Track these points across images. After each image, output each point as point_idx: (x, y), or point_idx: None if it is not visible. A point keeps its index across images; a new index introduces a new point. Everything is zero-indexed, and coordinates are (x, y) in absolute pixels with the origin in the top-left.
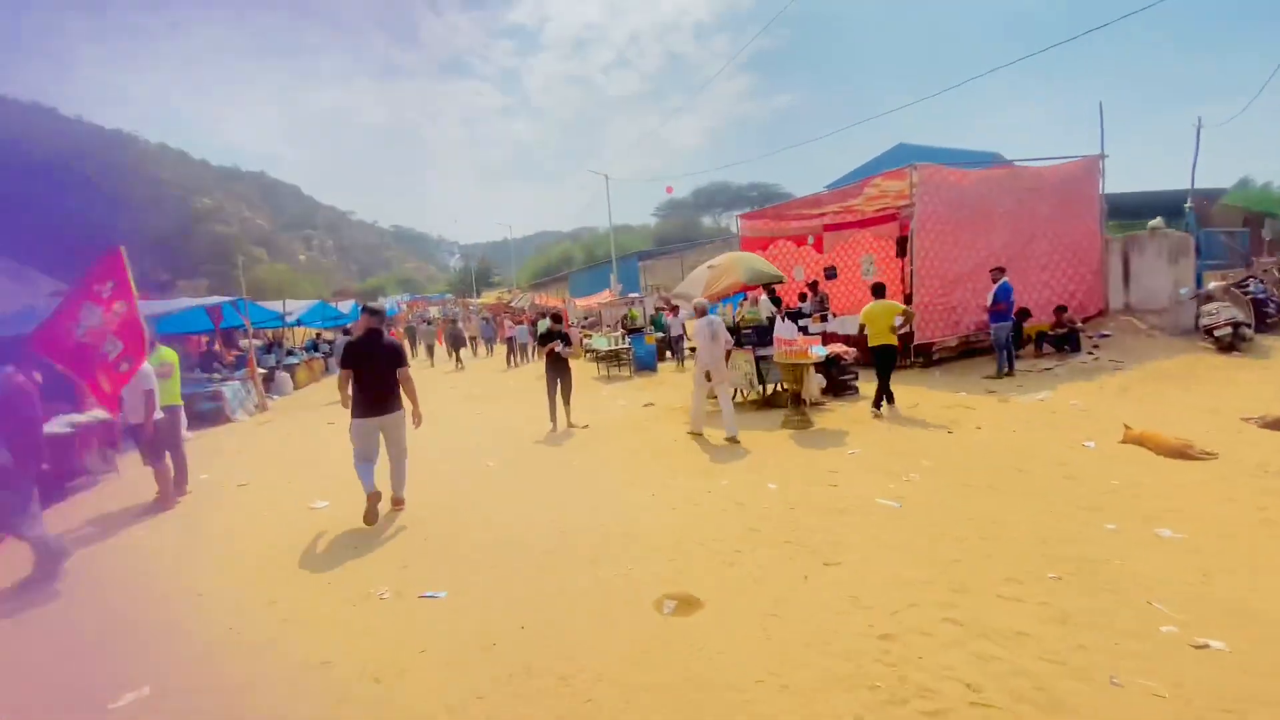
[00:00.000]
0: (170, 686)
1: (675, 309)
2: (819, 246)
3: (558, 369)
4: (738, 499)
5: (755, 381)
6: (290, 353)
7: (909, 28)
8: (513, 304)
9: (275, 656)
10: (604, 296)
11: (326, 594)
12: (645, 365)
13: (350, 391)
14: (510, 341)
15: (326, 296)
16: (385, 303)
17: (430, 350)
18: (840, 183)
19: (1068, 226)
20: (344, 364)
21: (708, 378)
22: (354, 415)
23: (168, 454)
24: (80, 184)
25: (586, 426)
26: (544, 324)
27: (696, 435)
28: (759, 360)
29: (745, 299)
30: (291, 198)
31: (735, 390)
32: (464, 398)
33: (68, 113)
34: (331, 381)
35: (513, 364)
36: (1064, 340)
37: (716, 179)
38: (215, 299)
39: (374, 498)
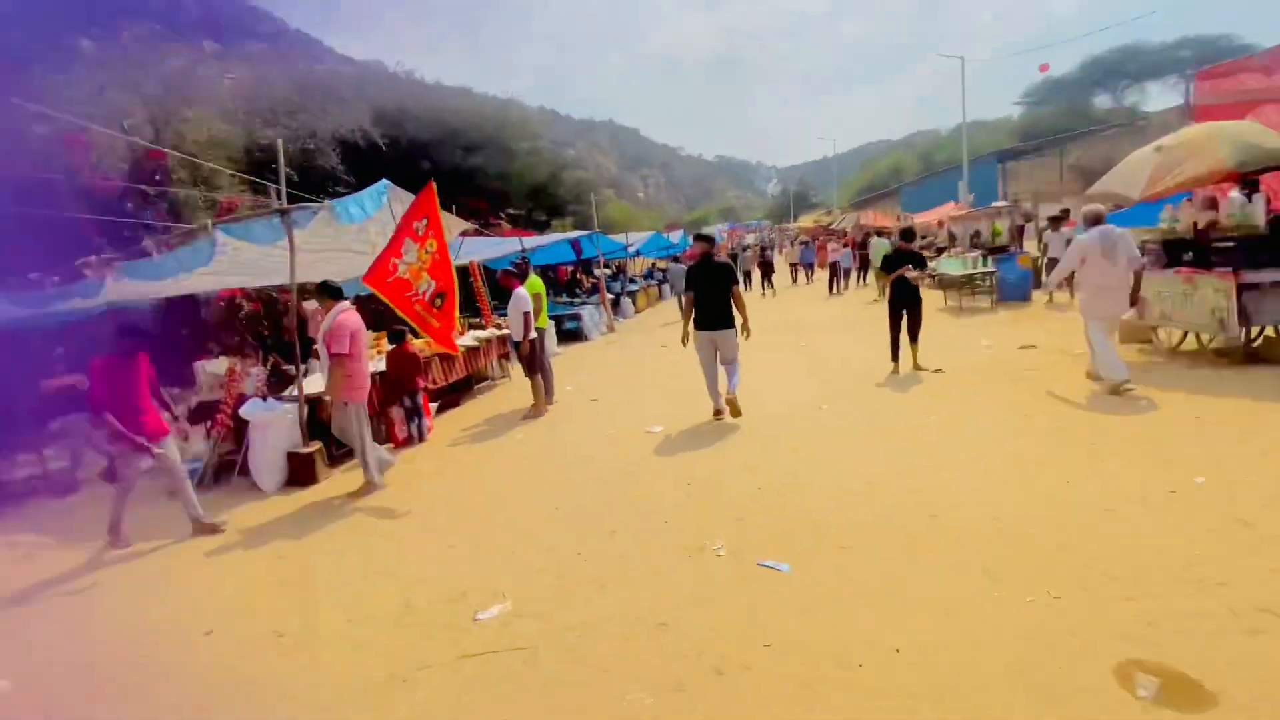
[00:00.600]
0: (526, 608)
1: (1058, 220)
2: None
3: (906, 299)
4: (1235, 512)
5: (1231, 323)
6: (631, 280)
7: None
8: (832, 226)
9: (614, 602)
10: (948, 210)
11: (662, 535)
12: (1015, 294)
13: (691, 313)
14: (834, 267)
15: (660, 229)
16: (713, 230)
17: (747, 276)
18: None
19: None
20: (686, 288)
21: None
22: (695, 328)
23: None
24: (482, 146)
25: (939, 371)
26: (881, 245)
27: (1121, 392)
28: (1242, 290)
29: (1188, 199)
30: (632, 140)
31: (1185, 333)
32: (784, 327)
33: (479, 91)
34: (663, 306)
35: (835, 291)
36: None
37: (1119, 43)
38: (575, 233)
39: (719, 412)
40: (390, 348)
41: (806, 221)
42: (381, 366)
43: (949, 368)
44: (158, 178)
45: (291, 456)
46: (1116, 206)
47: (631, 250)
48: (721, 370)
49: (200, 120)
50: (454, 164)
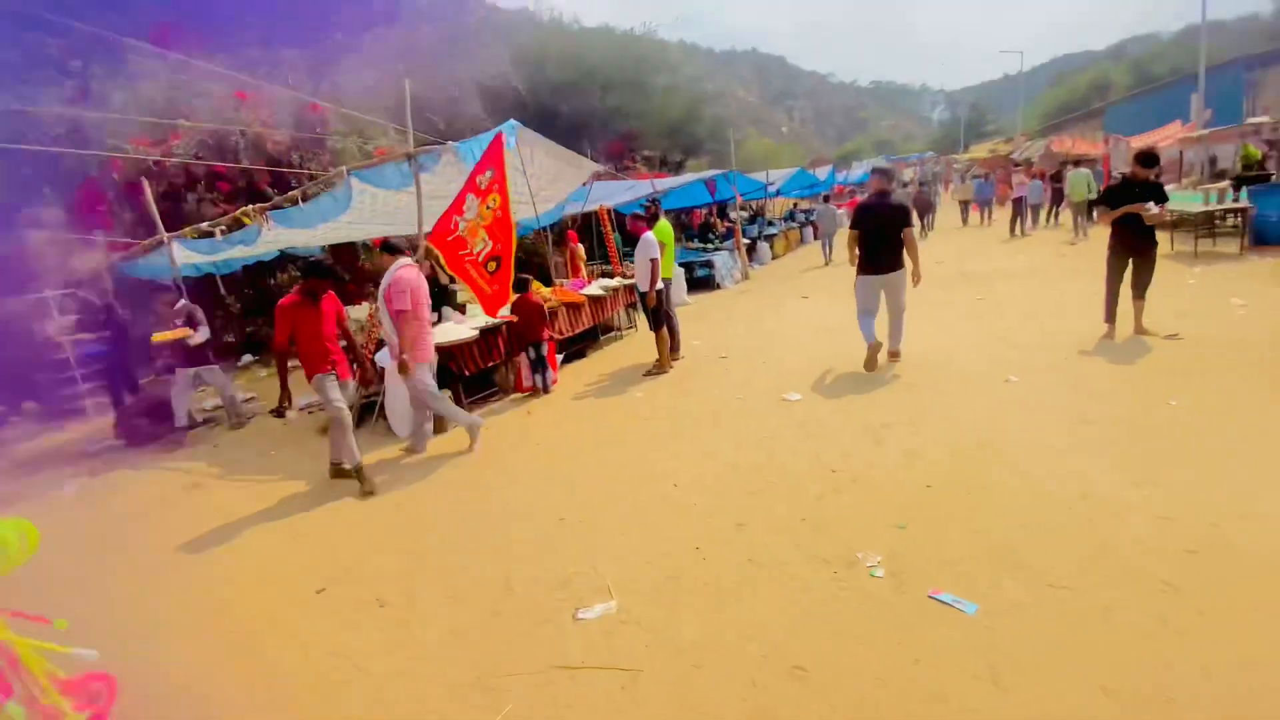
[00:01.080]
0: (632, 612)
1: None
2: None
3: (1134, 243)
4: None
5: None
6: (770, 223)
7: None
8: (1013, 156)
9: (739, 623)
10: (1173, 131)
11: (800, 537)
12: (1278, 237)
13: (857, 250)
14: (1017, 204)
15: (804, 164)
16: (864, 167)
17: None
18: None
19: None
20: (853, 225)
21: None
22: (859, 272)
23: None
24: (619, 85)
25: (1175, 337)
26: (1080, 176)
27: None
28: None
29: None
30: (777, 70)
31: None
32: (956, 277)
33: (619, 28)
34: (805, 250)
35: (1018, 232)
36: None
37: None
38: (710, 172)
39: (874, 347)
40: (515, 296)
41: (980, 152)
42: (508, 316)
43: (1187, 334)
44: (319, 130)
45: None
46: None
47: (772, 190)
48: (885, 319)
49: (354, 74)
50: (590, 106)
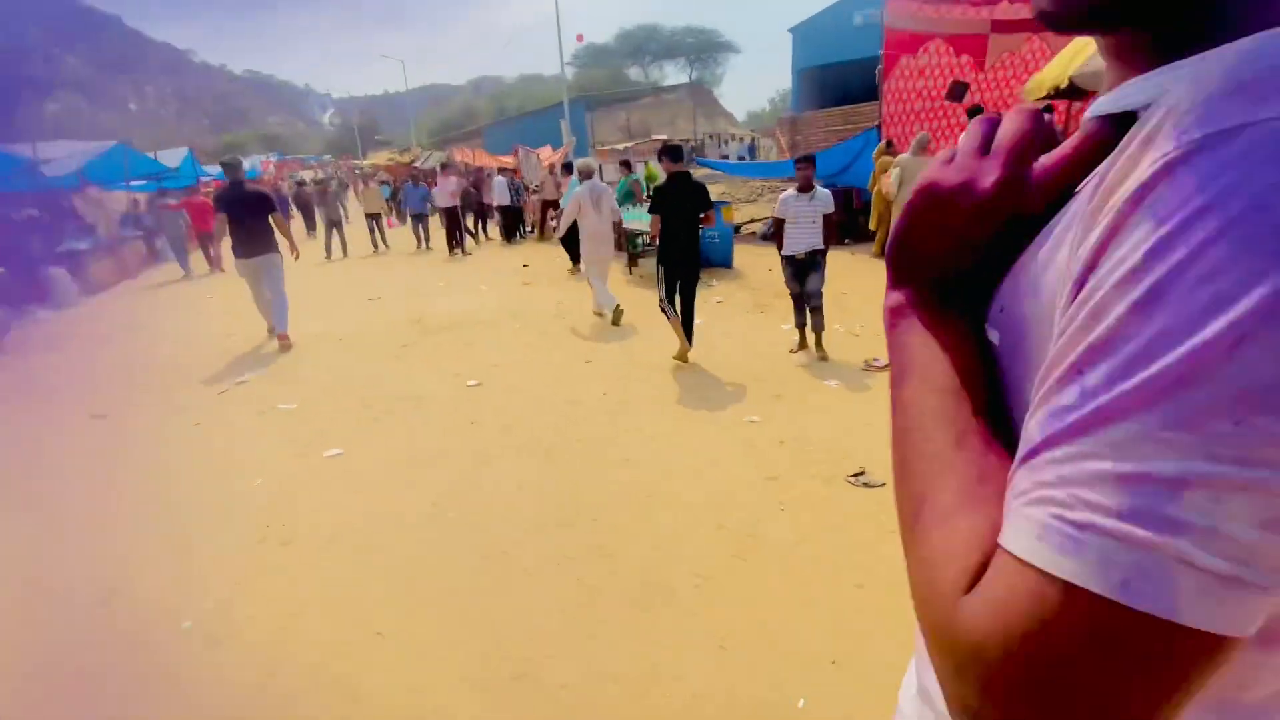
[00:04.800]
0: None
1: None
2: (978, 62)
3: (684, 258)
4: None
5: None
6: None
7: None
8: (416, 164)
9: None
10: (550, 153)
11: None
12: (720, 262)
13: (228, 235)
14: (451, 214)
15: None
16: (246, 163)
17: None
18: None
19: None
20: (218, 209)
21: None
22: (235, 256)
23: None
24: None
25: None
26: (500, 183)
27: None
28: None
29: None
30: (112, 32)
31: None
32: (403, 324)
33: None
34: (160, 271)
35: (457, 252)
36: None
37: (645, 21)
38: None
39: (270, 330)
40: None
41: (380, 159)
42: None
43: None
44: None
45: None
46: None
47: (54, 174)
48: (271, 305)
49: None
50: None
